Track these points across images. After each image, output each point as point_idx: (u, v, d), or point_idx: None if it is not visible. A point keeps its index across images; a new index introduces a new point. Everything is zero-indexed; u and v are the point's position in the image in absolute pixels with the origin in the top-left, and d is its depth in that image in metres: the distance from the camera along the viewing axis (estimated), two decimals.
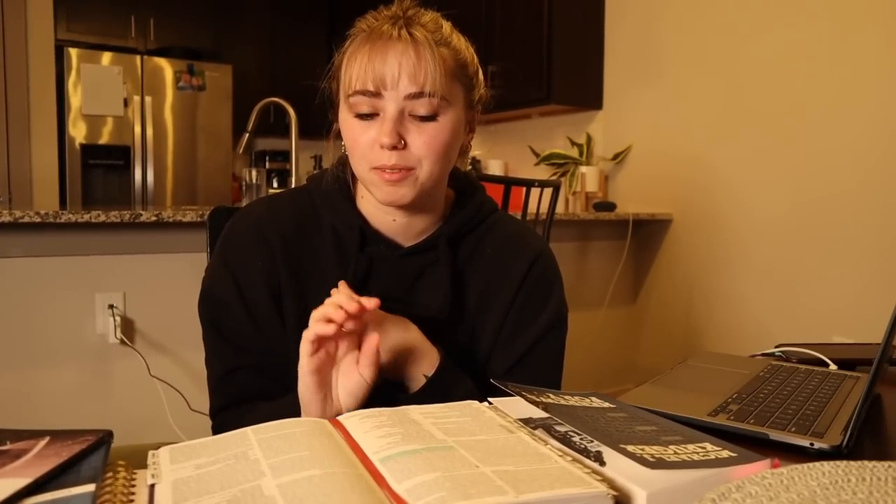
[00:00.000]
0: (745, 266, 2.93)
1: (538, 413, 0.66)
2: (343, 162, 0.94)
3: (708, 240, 3.08)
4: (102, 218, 1.85)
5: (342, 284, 0.87)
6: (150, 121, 4.10)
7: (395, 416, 0.64)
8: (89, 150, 3.96)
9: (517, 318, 0.95)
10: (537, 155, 3.68)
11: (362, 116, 0.83)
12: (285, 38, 4.80)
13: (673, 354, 3.18)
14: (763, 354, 1.16)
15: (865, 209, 2.53)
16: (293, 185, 2.35)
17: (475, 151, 4.28)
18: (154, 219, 1.93)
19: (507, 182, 2.22)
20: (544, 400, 0.70)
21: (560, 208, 3.15)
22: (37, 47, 3.71)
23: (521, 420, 0.64)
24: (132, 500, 0.50)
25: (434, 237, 0.92)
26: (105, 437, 0.57)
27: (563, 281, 1.01)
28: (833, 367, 1.03)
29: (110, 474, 0.52)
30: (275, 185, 4.74)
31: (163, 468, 0.54)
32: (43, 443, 0.56)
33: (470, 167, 3.85)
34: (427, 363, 0.85)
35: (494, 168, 4.06)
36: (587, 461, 0.55)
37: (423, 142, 0.83)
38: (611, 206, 3.26)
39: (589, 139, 3.57)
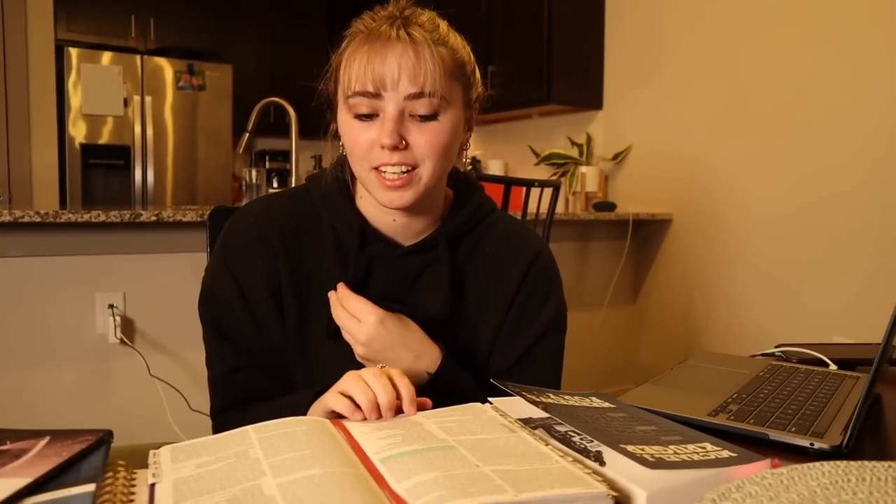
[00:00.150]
0: (744, 266, 2.93)
1: (538, 413, 0.66)
2: (342, 162, 0.94)
3: (708, 240, 3.08)
4: (102, 218, 1.85)
5: (342, 287, 0.87)
6: (150, 121, 4.10)
7: (397, 418, 0.64)
8: (89, 149, 3.96)
9: (516, 318, 0.95)
10: (537, 155, 3.68)
11: (362, 117, 0.83)
12: (285, 38, 4.79)
13: (673, 354, 3.18)
14: (763, 354, 1.16)
15: (865, 209, 2.53)
16: (293, 185, 2.35)
17: (475, 151, 4.28)
18: (154, 219, 1.93)
19: (507, 182, 2.22)
20: (544, 400, 0.70)
21: (560, 208, 3.15)
22: (37, 47, 3.71)
23: (521, 420, 0.64)
24: (132, 500, 0.50)
25: (433, 237, 0.92)
26: (105, 437, 0.57)
27: (562, 281, 1.01)
28: (833, 367, 1.03)
29: (110, 474, 0.52)
30: (275, 185, 4.74)
31: (164, 467, 0.54)
32: (43, 443, 0.56)
33: (470, 167, 3.85)
34: (429, 360, 0.86)
35: (494, 168, 4.06)
36: (587, 461, 0.55)
37: (425, 141, 0.83)
38: (611, 206, 3.26)
39: (589, 139, 3.57)
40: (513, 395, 0.71)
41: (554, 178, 3.54)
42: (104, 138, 4.00)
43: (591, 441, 0.59)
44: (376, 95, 0.82)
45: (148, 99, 4.10)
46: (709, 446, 0.60)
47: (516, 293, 0.95)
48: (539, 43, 3.49)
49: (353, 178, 0.93)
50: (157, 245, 2.08)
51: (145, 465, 0.55)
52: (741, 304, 2.94)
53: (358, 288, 0.90)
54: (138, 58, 4.09)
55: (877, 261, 2.50)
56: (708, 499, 0.47)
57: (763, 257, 2.86)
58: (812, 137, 2.69)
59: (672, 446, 0.59)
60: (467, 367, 0.91)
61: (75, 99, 3.90)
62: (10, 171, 3.63)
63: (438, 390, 0.82)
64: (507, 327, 0.95)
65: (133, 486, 0.52)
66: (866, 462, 0.51)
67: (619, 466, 0.53)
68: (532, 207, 2.39)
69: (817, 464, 0.50)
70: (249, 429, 0.60)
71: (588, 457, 0.55)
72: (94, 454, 0.54)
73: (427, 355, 0.86)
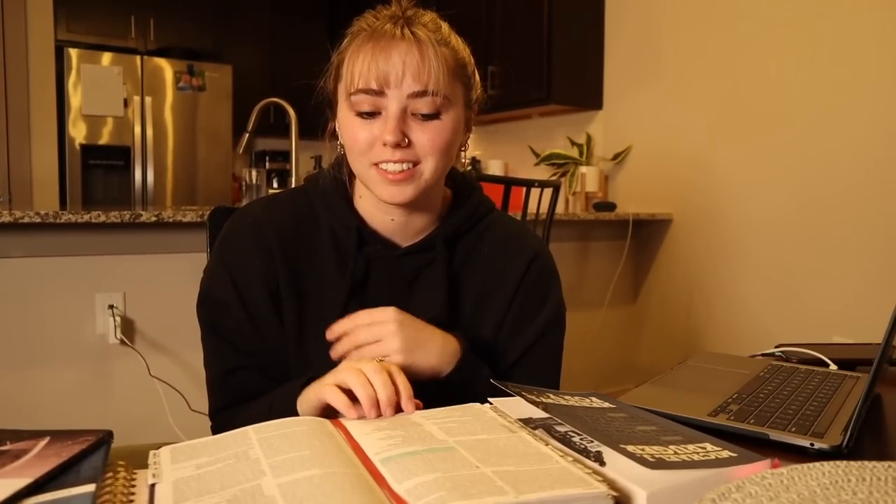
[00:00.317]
0: (744, 266, 2.93)
1: (538, 413, 0.66)
2: (340, 162, 0.94)
3: (708, 240, 3.08)
4: (102, 218, 1.85)
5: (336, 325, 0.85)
6: (150, 121, 4.10)
7: (397, 418, 0.64)
8: (89, 150, 3.96)
9: (515, 319, 0.95)
10: (537, 155, 3.68)
11: (364, 115, 0.83)
12: (285, 38, 4.79)
13: (673, 354, 3.18)
14: (763, 354, 1.16)
15: (865, 209, 2.53)
16: (293, 186, 2.35)
17: (475, 151, 4.28)
18: (154, 219, 1.93)
19: (507, 182, 2.22)
20: (544, 400, 0.70)
21: (560, 208, 3.15)
22: (37, 47, 3.71)
23: (521, 420, 0.64)
24: (132, 500, 0.50)
25: (431, 237, 0.92)
26: (105, 437, 0.57)
27: (560, 281, 1.01)
28: (833, 367, 1.03)
29: (110, 474, 0.52)
30: (275, 185, 4.74)
31: (164, 468, 0.54)
32: (43, 443, 0.56)
33: (470, 167, 3.85)
34: (451, 349, 0.85)
35: (494, 168, 4.06)
36: (587, 461, 0.55)
37: (427, 139, 0.83)
38: (611, 207, 3.26)
39: (589, 139, 3.57)
40: (513, 396, 0.71)
41: (554, 178, 3.54)
42: (104, 139, 4.00)
43: (591, 441, 0.59)
44: (379, 93, 0.82)
45: (148, 99, 4.10)
46: (709, 446, 0.60)
47: (515, 293, 0.95)
48: (539, 43, 3.49)
49: (352, 178, 0.93)
50: (157, 245, 2.08)
51: (145, 466, 0.55)
52: (741, 304, 2.94)
53: (356, 289, 0.90)
54: (138, 58, 4.09)
55: (877, 261, 2.50)
56: (708, 499, 0.47)
57: (763, 257, 2.86)
58: (812, 137, 2.69)
59: (672, 446, 0.59)
60: None
61: (75, 99, 3.90)
62: (10, 172, 3.63)
63: (460, 383, 0.82)
64: (506, 327, 0.95)
65: (133, 486, 0.52)
66: (866, 462, 0.51)
67: (619, 466, 0.53)
68: (532, 207, 2.39)
69: (817, 464, 0.50)
70: (249, 429, 0.60)
71: (588, 457, 0.55)
72: (94, 454, 0.54)
73: (448, 343, 0.86)
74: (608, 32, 3.55)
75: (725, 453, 0.58)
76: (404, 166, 0.83)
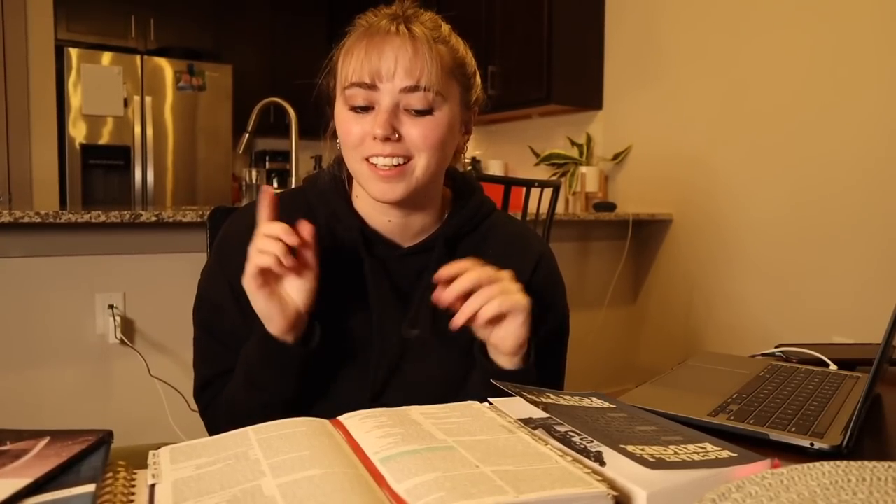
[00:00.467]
0: (744, 266, 2.93)
1: (538, 413, 0.66)
2: (339, 161, 0.93)
3: (708, 240, 3.08)
4: (102, 218, 1.85)
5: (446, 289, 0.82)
6: (150, 121, 4.10)
7: (396, 416, 0.64)
8: (89, 150, 3.96)
9: None
10: (537, 155, 3.68)
11: (357, 109, 0.84)
12: (285, 38, 4.79)
13: (673, 354, 3.18)
14: (763, 354, 1.16)
15: (865, 209, 2.53)
16: (293, 186, 2.35)
17: (475, 151, 4.28)
18: (154, 219, 1.93)
19: (507, 182, 2.22)
20: (544, 400, 0.70)
21: (560, 208, 3.15)
22: (37, 47, 3.71)
23: (521, 420, 0.64)
24: (132, 501, 0.50)
25: (432, 238, 0.92)
26: (105, 437, 0.56)
27: (564, 284, 1.01)
28: (833, 367, 1.03)
29: (110, 474, 0.52)
30: (275, 185, 4.74)
31: (163, 468, 0.54)
32: (43, 443, 0.56)
33: (470, 167, 3.85)
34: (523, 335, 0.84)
35: (494, 168, 4.06)
36: (587, 461, 0.55)
37: (419, 134, 0.83)
38: (611, 207, 3.26)
39: (589, 139, 3.57)
40: (512, 395, 0.71)
41: (554, 178, 3.54)
42: (104, 139, 4.00)
43: (591, 441, 0.59)
44: (372, 87, 0.82)
45: (148, 99, 4.10)
46: (709, 446, 0.60)
47: None
48: (539, 43, 3.49)
49: (351, 178, 0.93)
50: (157, 245, 2.08)
51: (145, 466, 0.55)
52: (741, 304, 2.94)
53: (356, 289, 0.90)
54: (138, 58, 4.09)
55: (877, 261, 2.50)
56: (708, 499, 0.47)
57: (763, 257, 2.86)
58: (812, 137, 2.69)
59: (672, 446, 0.59)
60: (471, 369, 0.91)
61: (75, 99, 3.90)
62: (10, 172, 3.63)
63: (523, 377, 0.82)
64: None
65: (133, 486, 0.52)
66: (866, 462, 0.51)
67: (619, 466, 0.53)
68: (532, 207, 2.39)
69: (817, 464, 0.50)
70: (249, 430, 0.60)
71: (588, 457, 0.55)
72: (94, 454, 0.54)
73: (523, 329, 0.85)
74: (608, 33, 3.55)
75: (725, 453, 0.58)
76: (395, 161, 0.83)
